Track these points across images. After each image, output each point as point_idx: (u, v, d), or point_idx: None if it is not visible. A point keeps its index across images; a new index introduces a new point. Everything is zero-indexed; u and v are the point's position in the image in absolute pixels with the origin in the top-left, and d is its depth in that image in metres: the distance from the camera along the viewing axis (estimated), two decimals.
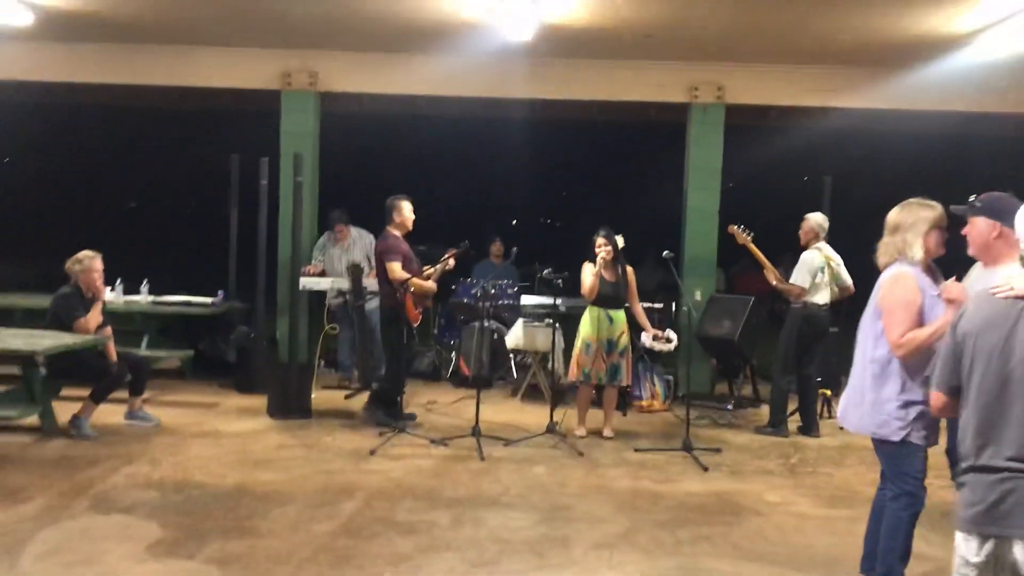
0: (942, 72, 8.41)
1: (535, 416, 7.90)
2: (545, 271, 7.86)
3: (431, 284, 7.64)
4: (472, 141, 19.28)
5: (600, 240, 7.45)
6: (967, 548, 2.76)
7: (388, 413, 7.50)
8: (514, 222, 30.18)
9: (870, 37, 7.90)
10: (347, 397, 8.62)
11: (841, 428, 5.07)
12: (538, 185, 27.45)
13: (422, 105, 10.84)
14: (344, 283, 8.80)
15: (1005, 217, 3.56)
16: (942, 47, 7.87)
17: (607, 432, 7.52)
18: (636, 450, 7.08)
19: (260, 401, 8.05)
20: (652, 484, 6.21)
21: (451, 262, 7.82)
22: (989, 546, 2.70)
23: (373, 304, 8.88)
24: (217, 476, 6.00)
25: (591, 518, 5.43)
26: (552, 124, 13.22)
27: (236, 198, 9.60)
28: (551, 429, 7.21)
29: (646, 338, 7.58)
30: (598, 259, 7.37)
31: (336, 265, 9.34)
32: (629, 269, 7.57)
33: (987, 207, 3.65)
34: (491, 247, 10.66)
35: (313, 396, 8.12)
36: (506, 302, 9.63)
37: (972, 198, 3.73)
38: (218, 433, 7.22)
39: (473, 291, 9.49)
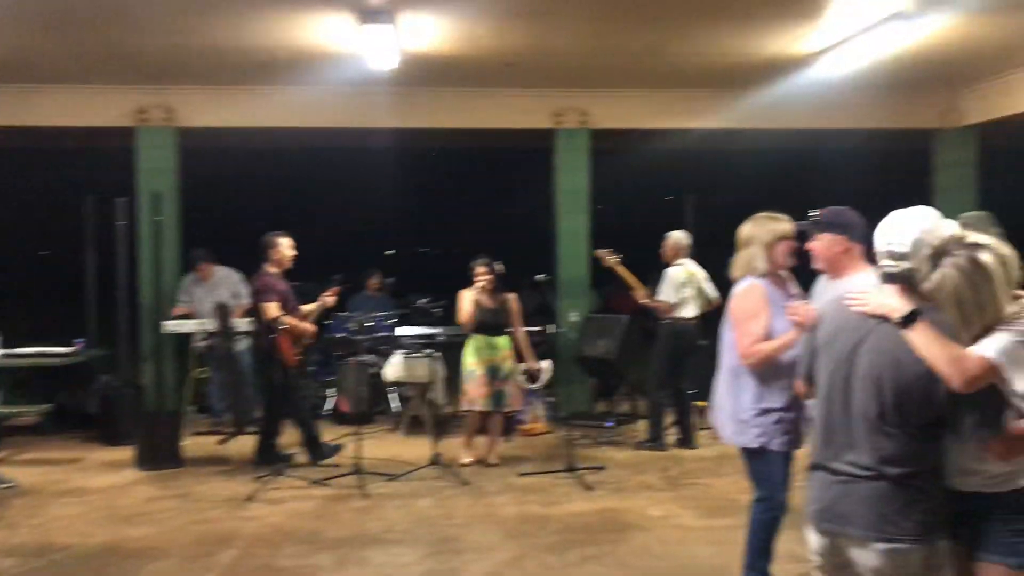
0: (789, 91, 8.81)
1: (419, 449, 7.79)
2: (422, 301, 7.81)
3: (307, 326, 7.43)
4: (342, 173, 19.08)
5: (480, 268, 7.45)
6: (813, 542, 2.87)
7: (263, 456, 7.26)
8: (389, 253, 29.99)
9: (722, 60, 8.21)
10: (221, 442, 8.30)
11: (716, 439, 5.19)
12: (413, 214, 27.42)
13: (287, 138, 10.66)
14: (211, 324, 8.48)
15: (850, 230, 3.75)
16: (788, 68, 8.23)
17: (492, 459, 7.49)
18: (521, 475, 7.08)
19: (127, 453, 7.65)
20: (539, 508, 6.21)
21: (330, 300, 7.66)
22: (827, 542, 2.80)
23: (243, 344, 8.62)
24: (83, 536, 5.65)
25: (479, 548, 5.38)
26: (422, 153, 13.23)
27: (93, 240, 9.16)
28: (436, 461, 7.13)
29: (524, 369, 7.57)
30: (475, 286, 7.37)
31: (202, 305, 9.01)
32: (511, 296, 7.58)
33: (831, 222, 3.82)
34: (368, 280, 10.51)
35: (184, 444, 7.78)
36: (383, 334, 9.51)
37: (814, 213, 3.88)
38: (82, 490, 6.82)
39: (349, 325, 9.32)
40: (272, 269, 7.31)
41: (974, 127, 9.81)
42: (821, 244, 3.86)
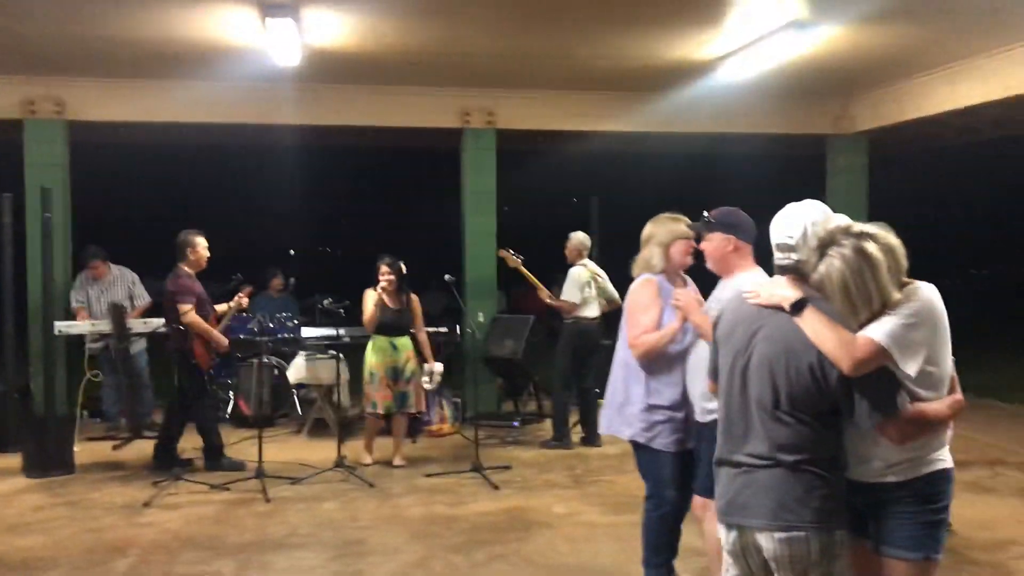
0: (692, 96, 9.01)
1: (323, 451, 7.66)
2: (326, 301, 7.68)
3: (221, 339, 7.16)
4: (244, 170, 18.64)
5: (383, 268, 7.38)
6: (723, 537, 2.92)
7: (162, 460, 7.04)
8: (292, 252, 29.46)
9: (627, 64, 8.33)
10: (115, 448, 8.00)
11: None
12: (317, 213, 26.97)
13: (186, 134, 10.36)
14: (105, 325, 8.14)
15: (738, 231, 3.85)
16: (692, 72, 8.43)
17: (397, 460, 7.42)
18: (427, 475, 7.03)
19: (14, 460, 7.29)
20: (445, 508, 6.18)
21: (244, 301, 7.44)
22: (734, 535, 2.85)
23: (139, 346, 8.33)
24: None
25: (385, 550, 5.32)
26: (327, 151, 13.03)
27: None
28: (340, 463, 7.01)
29: (425, 370, 7.50)
30: (378, 287, 7.29)
31: (95, 306, 8.66)
32: (414, 297, 7.52)
33: (721, 222, 3.92)
34: (271, 281, 10.27)
35: (77, 449, 7.47)
36: (286, 336, 9.33)
37: (705, 214, 3.98)
38: None
39: (250, 326, 9.11)
40: (188, 269, 7.05)
41: (865, 133, 10.21)
42: (711, 244, 3.95)
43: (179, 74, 8.56)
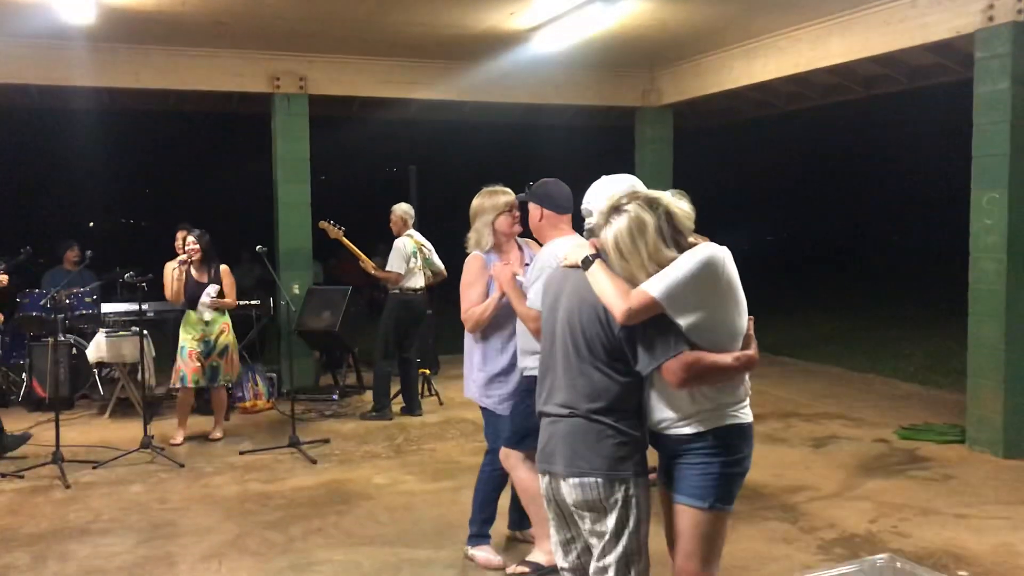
0: (507, 66, 9.08)
1: (128, 432, 7.29)
2: (128, 275, 7.26)
3: None
4: (32, 135, 17.23)
5: (190, 240, 7.06)
6: (541, 483, 3.07)
7: None
8: (91, 224, 27.66)
9: (440, 31, 8.27)
10: None
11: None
12: (118, 182, 25.27)
13: None
14: None
15: (547, 201, 4.10)
16: (505, 43, 8.48)
17: (217, 434, 7.21)
18: (242, 452, 6.82)
19: None
20: (260, 485, 6.02)
21: (3, 278, 6.83)
22: (546, 481, 3.03)
23: None
24: None
25: (196, 530, 5.13)
26: (127, 115, 12.24)
27: None
28: (147, 444, 6.68)
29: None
30: (181, 259, 6.98)
31: None
32: (224, 268, 7.24)
33: (532, 194, 4.15)
34: (66, 253, 9.57)
35: None
36: (84, 312, 8.76)
37: (528, 185, 4.18)
38: None
39: (43, 303, 8.49)
40: None
41: (670, 106, 10.64)
42: (530, 214, 4.14)
43: None
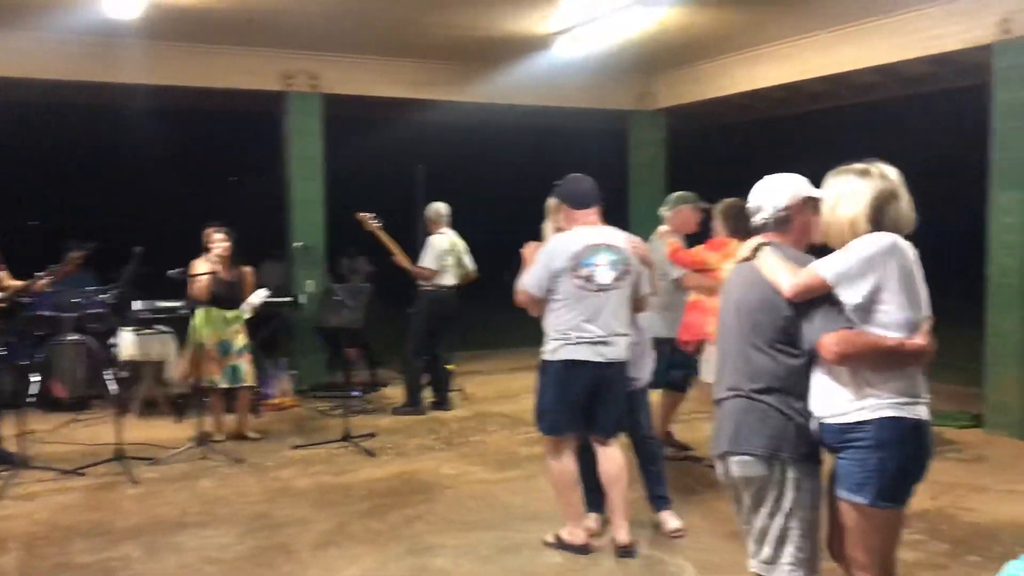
0: (530, 69, 9.24)
1: (162, 430, 7.25)
2: (176, 271, 7.17)
3: None
4: (49, 131, 16.56)
5: (218, 236, 7.05)
6: (718, 467, 3.22)
7: None
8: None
9: (464, 35, 8.41)
10: None
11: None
12: (144, 180, 23.89)
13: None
14: None
15: (563, 197, 4.63)
16: (529, 46, 8.66)
17: (252, 433, 7.18)
18: (295, 447, 6.84)
19: None
20: (332, 478, 6.08)
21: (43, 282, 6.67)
22: (721, 465, 3.18)
23: None
24: None
25: (294, 521, 5.18)
26: (147, 112, 11.96)
27: None
28: (204, 440, 6.60)
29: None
30: (209, 256, 6.96)
31: None
32: (247, 269, 7.25)
33: (556, 190, 4.65)
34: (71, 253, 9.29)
35: None
36: (95, 311, 8.59)
37: (555, 184, 4.67)
38: None
39: (53, 301, 8.30)
40: None
41: (664, 110, 10.98)
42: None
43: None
